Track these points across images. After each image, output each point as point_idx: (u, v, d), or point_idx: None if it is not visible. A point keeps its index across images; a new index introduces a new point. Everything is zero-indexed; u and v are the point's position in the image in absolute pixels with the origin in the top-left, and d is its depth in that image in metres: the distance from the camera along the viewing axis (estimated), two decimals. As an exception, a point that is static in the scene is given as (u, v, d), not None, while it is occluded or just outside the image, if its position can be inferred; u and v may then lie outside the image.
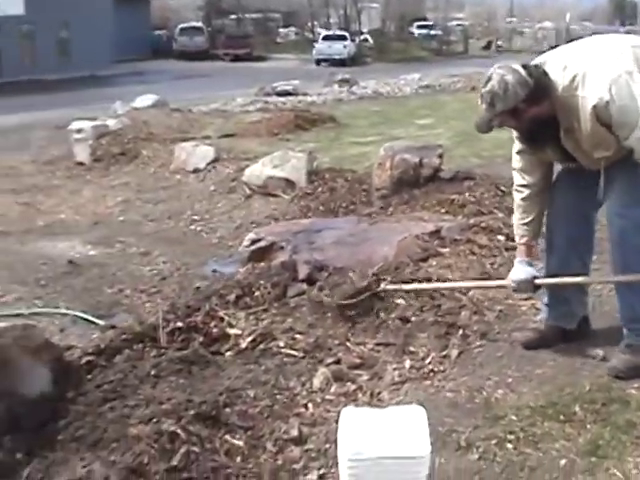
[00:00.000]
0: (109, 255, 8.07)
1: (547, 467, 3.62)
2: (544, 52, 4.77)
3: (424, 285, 5.51)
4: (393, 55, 58.67)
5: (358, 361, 4.61)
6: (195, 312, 5.09)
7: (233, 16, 69.37)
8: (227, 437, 3.77)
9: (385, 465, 3.00)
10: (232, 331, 4.91)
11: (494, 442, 3.81)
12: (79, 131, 13.56)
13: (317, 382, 4.37)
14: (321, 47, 53.17)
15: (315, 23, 69.76)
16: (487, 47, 72.22)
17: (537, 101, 4.21)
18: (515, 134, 4.57)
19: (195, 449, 3.61)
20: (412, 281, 5.63)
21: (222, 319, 5.03)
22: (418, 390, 4.31)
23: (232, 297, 5.31)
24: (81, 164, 13.11)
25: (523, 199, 4.68)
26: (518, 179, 4.69)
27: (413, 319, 5.11)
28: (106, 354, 4.60)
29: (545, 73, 4.25)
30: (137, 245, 8.41)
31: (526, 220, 4.70)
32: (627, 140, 4.13)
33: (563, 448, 3.76)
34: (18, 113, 20.83)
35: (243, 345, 4.77)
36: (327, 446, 3.79)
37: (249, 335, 4.85)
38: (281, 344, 4.77)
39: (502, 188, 8.14)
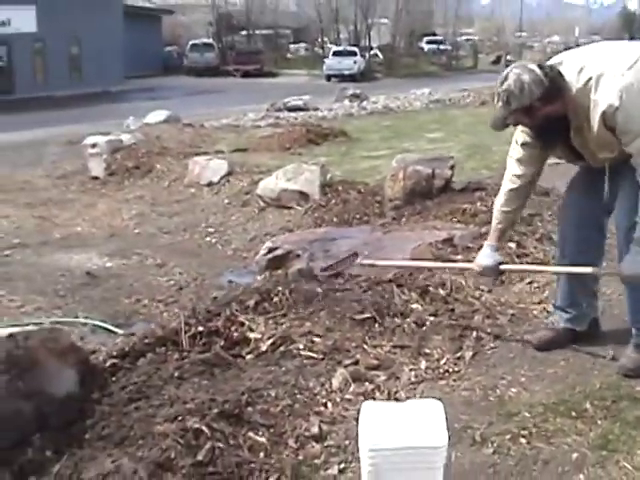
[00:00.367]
0: (126, 266, 8.17)
1: (559, 460, 3.73)
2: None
3: (396, 262, 5.80)
4: (403, 70, 58.91)
5: (375, 362, 4.71)
6: (216, 317, 5.17)
7: (243, 32, 69.60)
8: (250, 434, 3.88)
9: (404, 455, 3.11)
10: (252, 335, 5.00)
11: (508, 437, 3.92)
12: (94, 146, 13.68)
13: (336, 382, 4.47)
14: (331, 63, 53.29)
15: (325, 39, 69.92)
16: (496, 62, 72.25)
17: (551, 100, 4.32)
18: (522, 128, 4.67)
19: (220, 445, 3.70)
20: (426, 287, 5.78)
21: (242, 324, 5.11)
22: (434, 389, 4.41)
23: (251, 303, 5.40)
24: (96, 178, 13.21)
25: (512, 189, 4.80)
26: (514, 169, 4.80)
27: (428, 322, 5.24)
28: (130, 357, 4.68)
29: (560, 74, 4.35)
30: (153, 257, 8.51)
31: (508, 209, 4.85)
32: (628, 147, 4.25)
33: (574, 442, 3.87)
34: (31, 129, 20.99)
35: (263, 348, 4.86)
36: (347, 442, 3.89)
37: (269, 338, 4.94)
38: (300, 347, 4.86)
39: (513, 198, 8.24)
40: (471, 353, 4.90)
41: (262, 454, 3.77)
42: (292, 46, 74.27)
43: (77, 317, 6.42)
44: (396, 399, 4.30)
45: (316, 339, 4.96)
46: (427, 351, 4.90)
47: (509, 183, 4.83)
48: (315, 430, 4.00)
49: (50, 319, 6.29)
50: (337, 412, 4.22)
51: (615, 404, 4.22)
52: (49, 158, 15.40)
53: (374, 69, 58.26)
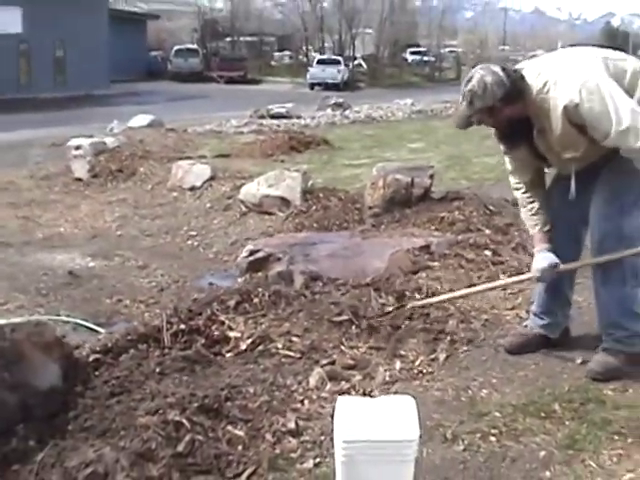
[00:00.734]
0: (108, 267, 8.25)
1: (527, 458, 3.87)
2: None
3: (448, 295, 5.69)
4: (386, 80, 59.08)
5: (351, 362, 4.84)
6: (197, 316, 5.28)
7: (228, 39, 69.69)
8: (229, 428, 3.99)
9: (376, 447, 3.23)
10: (232, 334, 5.12)
11: (478, 436, 4.06)
12: (77, 148, 13.70)
13: (313, 381, 4.60)
14: (315, 71, 53.41)
15: (309, 47, 70.09)
16: (479, 74, 72.59)
17: (512, 101, 4.49)
18: (493, 133, 4.84)
19: (199, 437, 3.83)
20: (403, 292, 5.92)
21: (223, 323, 5.23)
22: (407, 389, 4.52)
23: (232, 303, 5.51)
24: (79, 180, 13.23)
25: (524, 193, 4.96)
26: (512, 180, 5.02)
27: (403, 326, 5.37)
28: (112, 353, 4.78)
29: (522, 77, 4.53)
30: (135, 258, 8.58)
31: (533, 210, 4.94)
32: (607, 140, 4.38)
33: (543, 442, 4.02)
34: (15, 130, 20.94)
35: (243, 347, 4.99)
36: (322, 438, 4.01)
37: (248, 337, 5.06)
38: (279, 346, 5.00)
39: (490, 207, 8.41)
40: (445, 355, 5.04)
41: (240, 447, 3.89)
42: (276, 54, 74.32)
43: (59, 315, 6.46)
44: (371, 398, 4.42)
45: (294, 339, 5.09)
46: (402, 353, 5.03)
47: (517, 192, 5.03)
48: (292, 426, 4.12)
49: (32, 317, 6.27)
50: (313, 409, 4.34)
51: (583, 406, 4.36)
52: (33, 159, 15.43)
53: (358, 79, 58.41)
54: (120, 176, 13.06)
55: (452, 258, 6.78)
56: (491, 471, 3.78)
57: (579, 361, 4.94)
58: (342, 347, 5.05)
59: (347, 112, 26.23)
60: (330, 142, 16.93)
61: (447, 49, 79.16)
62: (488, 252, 6.79)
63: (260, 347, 5.01)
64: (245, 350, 4.98)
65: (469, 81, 4.50)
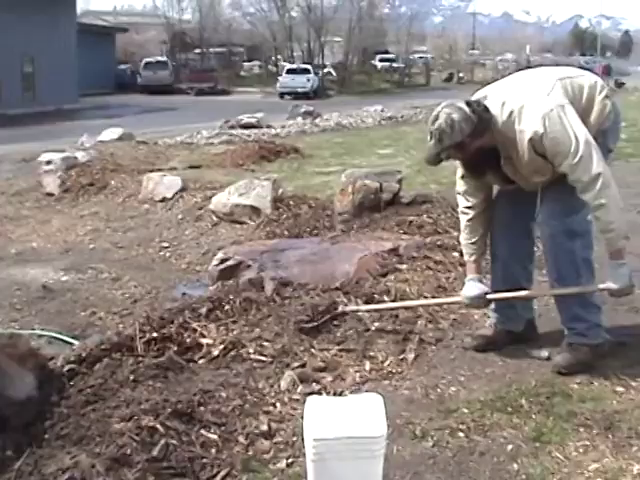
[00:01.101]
0: (81, 280, 8.26)
1: (495, 452, 3.98)
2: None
3: (381, 305, 5.86)
4: (356, 87, 59.37)
5: (322, 365, 4.94)
6: (169, 324, 5.35)
7: (197, 50, 69.80)
8: (202, 431, 4.07)
9: (345, 444, 3.31)
10: (204, 340, 5.20)
11: (447, 431, 4.16)
12: (48, 163, 13.64)
13: (284, 384, 4.68)
14: (285, 80, 53.61)
15: (279, 57, 70.35)
16: (449, 79, 73.16)
17: (480, 134, 4.61)
18: (460, 163, 4.96)
19: (173, 442, 3.90)
20: (372, 294, 6.01)
21: (195, 330, 5.31)
22: (377, 389, 4.58)
23: (203, 310, 5.60)
24: (50, 195, 13.16)
25: (469, 220, 5.09)
26: (463, 202, 5.11)
27: (372, 327, 5.47)
28: (87, 362, 4.83)
29: (486, 108, 4.64)
30: (108, 271, 8.58)
31: (473, 240, 5.12)
32: (560, 167, 4.54)
33: (510, 435, 4.12)
34: (-16, 147, 20.90)
35: (215, 353, 5.06)
36: (294, 439, 4.09)
37: (220, 344, 5.14)
38: (250, 351, 5.08)
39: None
40: (413, 355, 5.15)
41: (214, 450, 3.97)
42: (246, 64, 74.56)
43: (34, 329, 6.49)
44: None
45: (265, 343, 5.17)
46: (372, 354, 5.13)
47: (463, 216, 5.14)
48: (264, 428, 4.20)
49: (7, 331, 6.32)
50: (285, 411, 4.42)
51: (549, 400, 4.48)
52: (3, 175, 15.33)
53: (327, 86, 58.65)
54: (91, 190, 13.00)
55: (420, 260, 6.87)
56: (460, 465, 3.87)
57: (545, 356, 5.06)
58: (312, 350, 5.14)
59: (317, 120, 26.24)
60: (300, 150, 16.93)
61: (416, 55, 79.56)
62: (456, 253, 6.87)
63: (232, 352, 5.09)
64: (217, 356, 5.05)
65: (436, 119, 4.60)
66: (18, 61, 40.33)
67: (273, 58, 71.54)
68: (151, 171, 13.18)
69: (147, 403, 4.21)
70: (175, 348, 5.07)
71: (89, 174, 13.59)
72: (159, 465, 3.75)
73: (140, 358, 4.92)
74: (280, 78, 54.90)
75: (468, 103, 4.65)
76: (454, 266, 6.72)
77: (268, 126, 23.75)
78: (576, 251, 4.73)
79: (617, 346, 5.11)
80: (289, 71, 55.23)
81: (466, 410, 4.38)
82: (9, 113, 34.98)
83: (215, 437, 4.06)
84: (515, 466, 3.86)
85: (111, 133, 19.47)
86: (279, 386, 4.68)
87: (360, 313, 5.66)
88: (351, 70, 67.13)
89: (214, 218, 10.37)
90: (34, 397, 4.30)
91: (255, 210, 9.98)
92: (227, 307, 5.68)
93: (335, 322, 5.56)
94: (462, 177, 5.03)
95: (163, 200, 11.62)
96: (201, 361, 5.02)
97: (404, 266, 6.76)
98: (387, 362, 5.04)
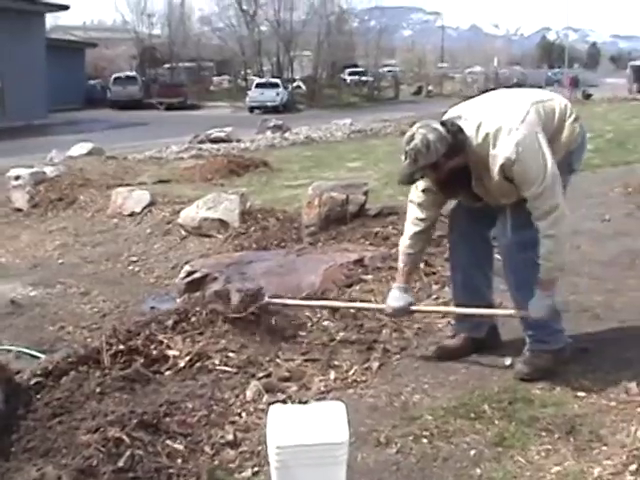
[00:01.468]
0: (50, 295, 8.26)
1: (458, 457, 4.04)
2: (472, 97, 5.27)
3: (305, 302, 5.99)
4: (325, 101, 59.51)
5: (287, 375, 4.99)
6: (136, 336, 5.36)
7: (167, 65, 69.79)
8: (168, 442, 4.11)
9: (308, 451, 3.37)
10: (170, 352, 5.23)
11: (411, 438, 4.22)
12: (17, 178, 13.62)
13: (250, 394, 4.73)
14: (254, 95, 53.69)
15: (248, 71, 70.45)
16: (418, 92, 73.55)
17: (454, 155, 4.64)
18: (431, 183, 4.97)
19: (139, 452, 3.93)
20: (337, 305, 6.08)
21: (161, 342, 5.33)
22: (342, 397, 4.61)
23: (170, 323, 5.62)
24: (19, 210, 13.15)
25: (416, 232, 5.13)
26: (416, 213, 5.12)
27: (337, 337, 5.55)
28: (53, 375, 4.85)
29: (461, 129, 4.68)
30: (77, 286, 8.59)
31: (413, 251, 5.20)
32: (524, 193, 4.62)
33: (473, 441, 4.19)
34: (-48, 163, 20.79)
35: (181, 364, 5.10)
36: (259, 448, 4.13)
37: (186, 355, 5.18)
38: (216, 362, 5.13)
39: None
40: (378, 364, 5.20)
41: (180, 460, 4.01)
42: (215, 78, 74.66)
43: (1, 344, 6.48)
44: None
45: (231, 354, 5.23)
46: (336, 363, 5.20)
47: (412, 226, 5.16)
48: (230, 437, 4.25)
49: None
50: (251, 421, 4.47)
51: (511, 405, 4.54)
52: (-29, 191, 15.35)
53: (297, 100, 58.75)
54: (60, 205, 12.99)
55: (385, 271, 6.92)
56: (423, 471, 3.93)
57: (508, 363, 5.14)
58: (278, 360, 5.21)
59: (286, 134, 26.30)
60: (269, 164, 16.96)
61: (385, 68, 79.99)
62: (421, 264, 6.95)
63: (198, 364, 5.13)
64: (183, 367, 5.09)
65: (411, 140, 4.61)
66: (-13, 78, 40.12)
67: (242, 72, 71.67)
68: (120, 186, 13.18)
69: (113, 415, 4.24)
70: (141, 360, 5.09)
71: (58, 189, 13.58)
72: (125, 476, 3.78)
73: (107, 370, 4.94)
74: (249, 92, 54.98)
75: (443, 123, 4.69)
76: (419, 276, 6.78)
77: (237, 140, 23.81)
78: (528, 261, 4.78)
79: (579, 352, 5.19)
80: (258, 85, 55.25)
81: (430, 417, 4.44)
82: (-22, 129, 34.82)
83: (181, 447, 4.11)
84: (478, 471, 3.92)
85: (80, 148, 19.48)
86: (245, 396, 4.73)
87: (326, 323, 5.72)
88: (320, 84, 67.27)
89: (183, 232, 10.38)
90: (0, 410, 4.33)
91: (223, 224, 10.01)
92: (193, 319, 5.70)
93: (300, 332, 5.64)
94: (424, 190, 5.04)
95: (132, 215, 11.62)
96: (167, 373, 5.06)
97: (369, 277, 6.83)
98: (352, 371, 5.09)
